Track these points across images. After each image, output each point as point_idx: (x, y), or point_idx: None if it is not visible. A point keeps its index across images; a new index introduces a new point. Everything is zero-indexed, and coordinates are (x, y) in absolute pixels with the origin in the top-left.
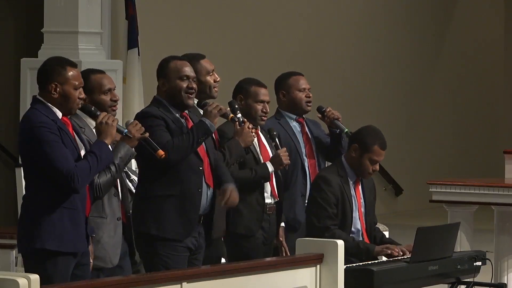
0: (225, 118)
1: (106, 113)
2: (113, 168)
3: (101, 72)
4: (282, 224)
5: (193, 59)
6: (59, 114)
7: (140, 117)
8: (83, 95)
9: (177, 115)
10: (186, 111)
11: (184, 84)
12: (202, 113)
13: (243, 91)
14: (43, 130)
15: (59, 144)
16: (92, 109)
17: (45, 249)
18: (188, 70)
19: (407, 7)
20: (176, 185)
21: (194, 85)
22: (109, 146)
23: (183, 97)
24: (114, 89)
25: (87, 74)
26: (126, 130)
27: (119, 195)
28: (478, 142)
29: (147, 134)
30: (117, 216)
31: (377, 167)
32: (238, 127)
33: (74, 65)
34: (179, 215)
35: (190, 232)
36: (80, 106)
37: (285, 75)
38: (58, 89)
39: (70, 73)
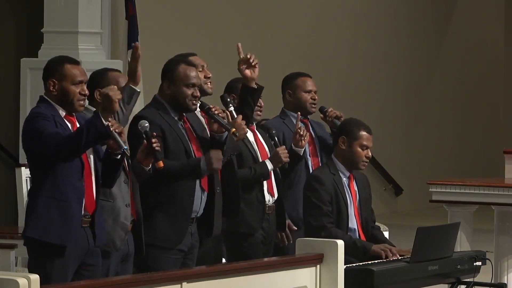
0: (227, 130)
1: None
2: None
3: (118, 71)
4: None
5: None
6: (62, 112)
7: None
8: (85, 92)
9: (175, 118)
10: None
11: (190, 92)
12: (200, 116)
13: (234, 90)
14: (37, 119)
15: (51, 123)
16: None
17: (28, 237)
18: (195, 77)
19: (408, 7)
20: (167, 192)
21: (198, 93)
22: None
23: (188, 104)
24: None
25: (104, 71)
26: (126, 147)
27: (129, 183)
28: (478, 142)
29: (156, 145)
30: (126, 202)
31: (370, 153)
32: (231, 120)
33: (74, 62)
34: (170, 223)
35: (181, 240)
36: (84, 102)
37: (293, 75)
38: (56, 86)
39: (68, 69)
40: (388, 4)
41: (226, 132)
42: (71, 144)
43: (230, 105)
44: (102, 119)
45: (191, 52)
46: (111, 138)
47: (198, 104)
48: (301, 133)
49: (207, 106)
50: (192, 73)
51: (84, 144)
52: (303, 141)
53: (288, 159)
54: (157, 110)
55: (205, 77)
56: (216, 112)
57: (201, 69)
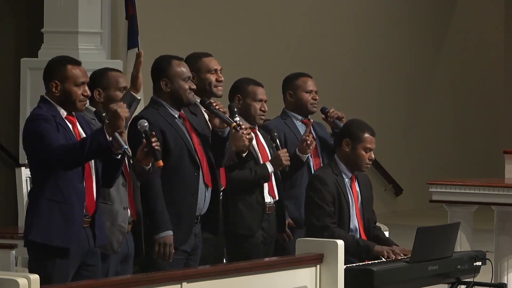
0: (228, 125)
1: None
2: None
3: (119, 71)
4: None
5: (196, 57)
6: (63, 112)
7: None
8: (87, 93)
9: (176, 115)
10: (183, 112)
11: (187, 85)
12: (203, 110)
13: (241, 91)
14: (37, 121)
15: (52, 126)
16: (103, 115)
17: (30, 240)
18: (188, 70)
19: (408, 7)
20: (170, 191)
21: (194, 86)
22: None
23: (189, 97)
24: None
25: (104, 71)
26: (126, 147)
27: (127, 186)
28: (478, 142)
29: (155, 144)
30: (124, 205)
31: (373, 155)
32: (233, 130)
33: (76, 62)
34: (175, 222)
35: (187, 239)
36: (86, 102)
37: (294, 76)
38: (58, 87)
39: (70, 71)
40: (388, 4)
41: (228, 128)
42: (73, 156)
43: (236, 115)
44: (106, 134)
45: (207, 52)
46: (112, 138)
47: (199, 100)
48: (308, 142)
49: (208, 101)
50: (184, 68)
51: (86, 156)
52: (309, 149)
53: (288, 162)
54: (157, 110)
55: (216, 80)
56: (217, 107)
57: (213, 72)
